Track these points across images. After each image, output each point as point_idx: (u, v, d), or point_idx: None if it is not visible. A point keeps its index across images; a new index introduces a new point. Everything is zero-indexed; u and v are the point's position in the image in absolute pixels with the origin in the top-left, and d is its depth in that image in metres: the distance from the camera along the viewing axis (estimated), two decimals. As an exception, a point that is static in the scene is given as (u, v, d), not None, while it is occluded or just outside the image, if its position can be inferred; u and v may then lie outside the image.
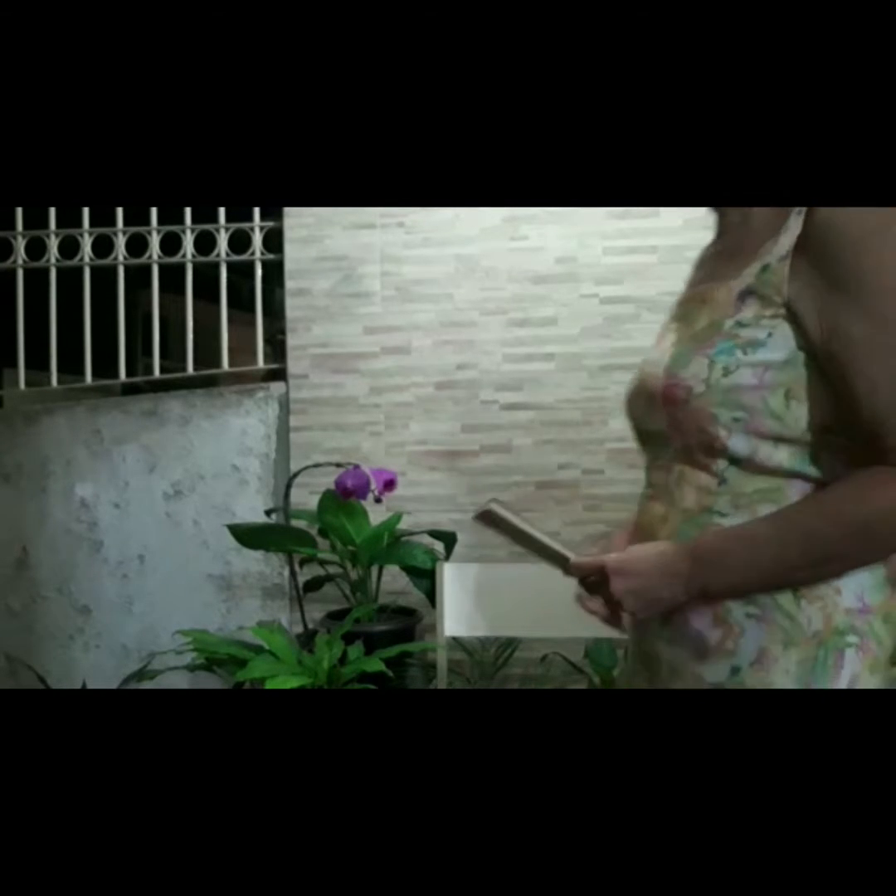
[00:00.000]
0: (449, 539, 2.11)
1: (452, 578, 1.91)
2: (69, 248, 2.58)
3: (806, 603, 0.74)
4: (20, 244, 2.59)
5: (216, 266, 2.55)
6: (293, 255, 2.46)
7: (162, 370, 2.64)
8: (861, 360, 0.69)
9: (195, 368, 2.57)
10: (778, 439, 0.74)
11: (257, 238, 2.52)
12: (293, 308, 2.46)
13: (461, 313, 2.38)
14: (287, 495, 2.22)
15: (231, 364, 2.57)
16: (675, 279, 0.96)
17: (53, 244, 2.57)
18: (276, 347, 2.58)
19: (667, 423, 0.80)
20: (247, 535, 2.07)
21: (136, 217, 2.54)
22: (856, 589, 0.74)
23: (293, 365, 2.46)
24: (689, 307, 0.84)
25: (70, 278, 2.59)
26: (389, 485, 2.05)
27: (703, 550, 0.76)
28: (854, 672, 0.73)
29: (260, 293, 2.53)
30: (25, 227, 2.59)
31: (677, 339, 0.82)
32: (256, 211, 2.53)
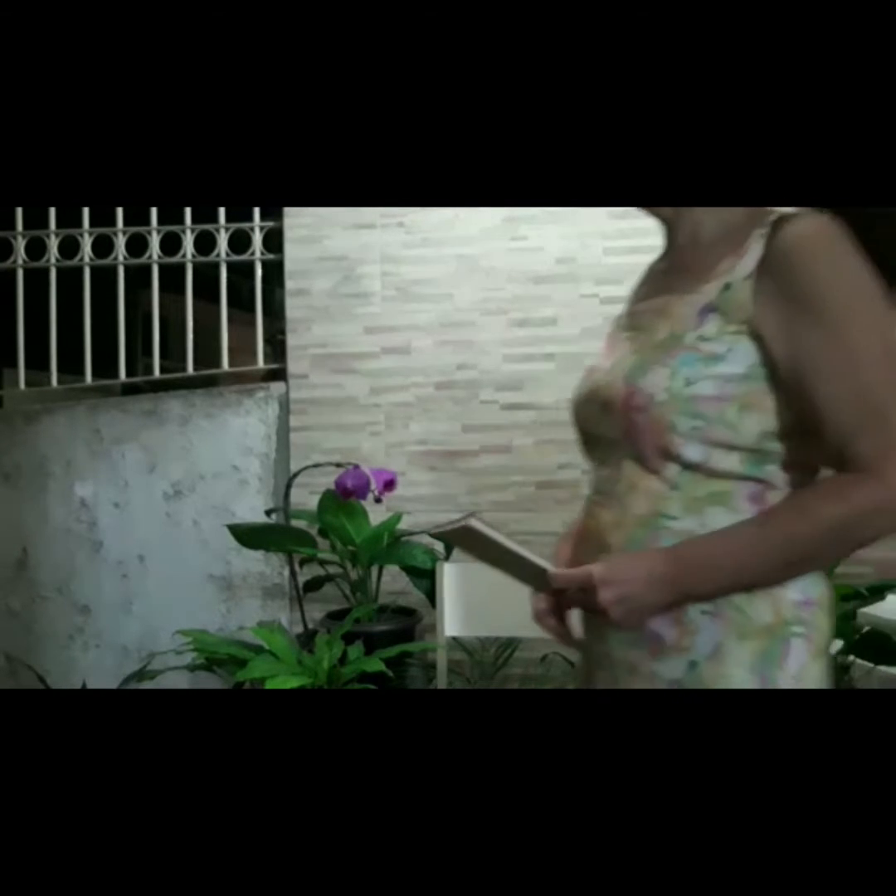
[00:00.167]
0: (449, 539, 2.10)
1: (452, 578, 1.91)
2: (69, 248, 2.58)
3: (756, 598, 0.77)
4: (20, 244, 2.60)
5: (216, 266, 2.55)
6: (293, 255, 2.46)
7: (162, 370, 2.64)
8: (825, 377, 0.73)
9: (195, 368, 2.57)
10: (730, 447, 0.77)
11: (257, 238, 2.52)
12: (293, 308, 2.46)
13: (461, 313, 2.38)
14: (287, 495, 2.22)
15: (231, 364, 2.57)
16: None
17: (53, 244, 2.57)
18: (276, 347, 2.58)
19: (623, 429, 0.82)
20: (247, 535, 2.07)
21: (136, 217, 2.55)
22: (799, 583, 0.78)
23: (293, 365, 2.46)
24: (645, 319, 0.87)
25: (70, 278, 2.59)
26: (389, 485, 2.05)
27: (689, 555, 0.77)
28: (800, 660, 0.77)
29: (260, 293, 2.54)
30: (25, 227, 2.59)
31: (636, 348, 0.84)
32: (256, 211, 2.53)
